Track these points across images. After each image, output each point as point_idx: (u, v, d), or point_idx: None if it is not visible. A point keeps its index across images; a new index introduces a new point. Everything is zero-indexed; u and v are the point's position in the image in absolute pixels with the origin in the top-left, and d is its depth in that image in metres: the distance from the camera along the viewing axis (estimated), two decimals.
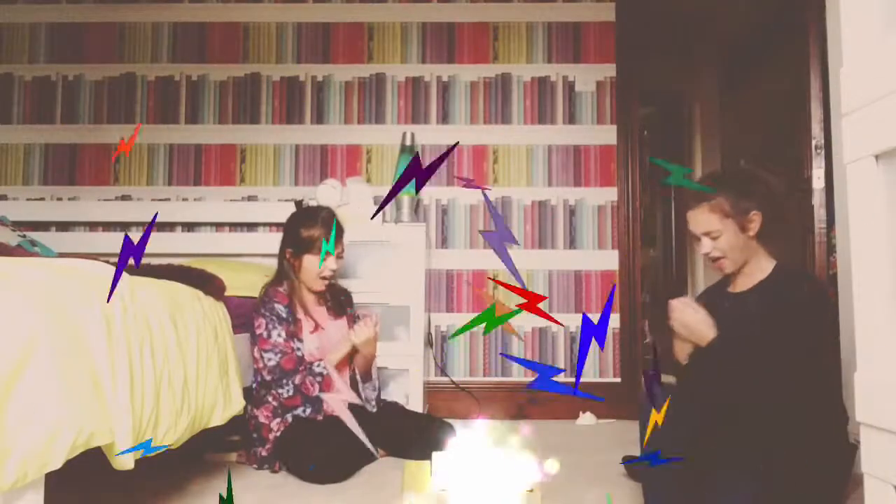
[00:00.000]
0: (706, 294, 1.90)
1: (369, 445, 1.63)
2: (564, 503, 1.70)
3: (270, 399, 2.08)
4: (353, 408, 2.25)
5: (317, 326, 2.19)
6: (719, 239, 1.72)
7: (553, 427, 2.76)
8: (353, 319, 2.34)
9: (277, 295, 2.16)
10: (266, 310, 2.12)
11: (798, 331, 1.56)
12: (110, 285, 1.37)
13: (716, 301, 1.76)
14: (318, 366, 2.08)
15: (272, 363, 2.06)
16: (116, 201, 3.16)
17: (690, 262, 4.82)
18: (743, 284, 1.75)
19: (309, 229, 2.18)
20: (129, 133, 3.21)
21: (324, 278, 2.20)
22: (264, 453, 2.01)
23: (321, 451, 1.90)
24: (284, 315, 2.12)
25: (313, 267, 2.18)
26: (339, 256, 2.24)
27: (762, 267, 1.73)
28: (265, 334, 2.08)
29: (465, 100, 3.21)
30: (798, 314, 1.58)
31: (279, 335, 2.09)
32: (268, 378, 2.06)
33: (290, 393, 2.04)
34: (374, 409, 2.24)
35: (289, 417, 2.05)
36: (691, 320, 1.64)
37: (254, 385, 2.12)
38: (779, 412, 1.53)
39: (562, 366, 3.08)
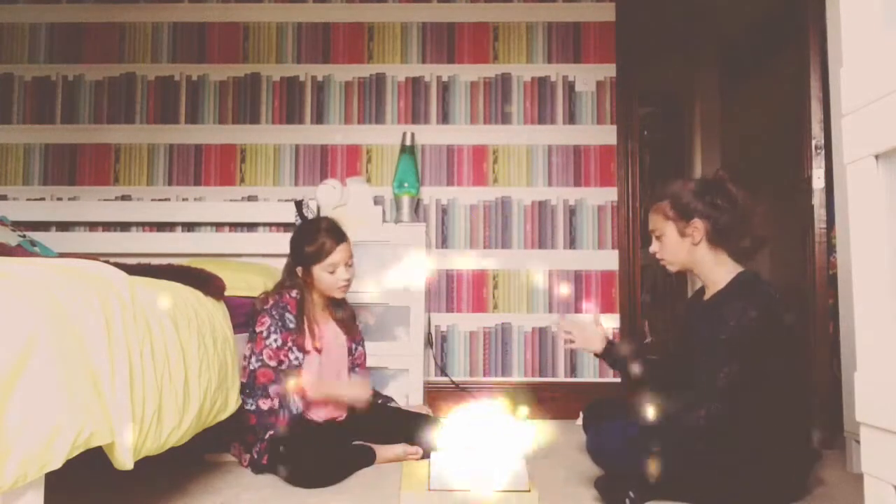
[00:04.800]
0: (692, 299, 2.00)
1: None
2: (563, 503, 1.70)
3: (259, 404, 2.07)
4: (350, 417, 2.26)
5: (320, 346, 2.18)
6: (661, 239, 1.87)
7: (553, 427, 2.76)
8: (358, 340, 2.36)
9: (290, 302, 2.14)
10: (276, 312, 2.10)
11: (731, 346, 1.63)
12: (110, 285, 1.37)
13: (694, 308, 1.90)
14: (295, 359, 2.08)
15: (251, 368, 2.05)
16: (116, 201, 3.16)
17: None
18: (708, 294, 1.83)
19: (311, 244, 2.17)
20: (128, 133, 3.21)
21: (340, 289, 2.21)
22: (254, 454, 2.01)
23: (311, 455, 1.89)
24: (291, 326, 2.12)
25: (325, 278, 2.18)
26: (349, 264, 2.23)
27: (718, 278, 1.79)
28: (265, 333, 2.08)
29: (465, 100, 3.21)
30: (729, 332, 1.64)
31: (275, 341, 2.07)
32: (243, 380, 2.05)
33: (268, 406, 2.03)
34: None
35: (275, 419, 2.04)
36: (579, 339, 1.97)
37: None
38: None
39: (561, 365, 3.09)
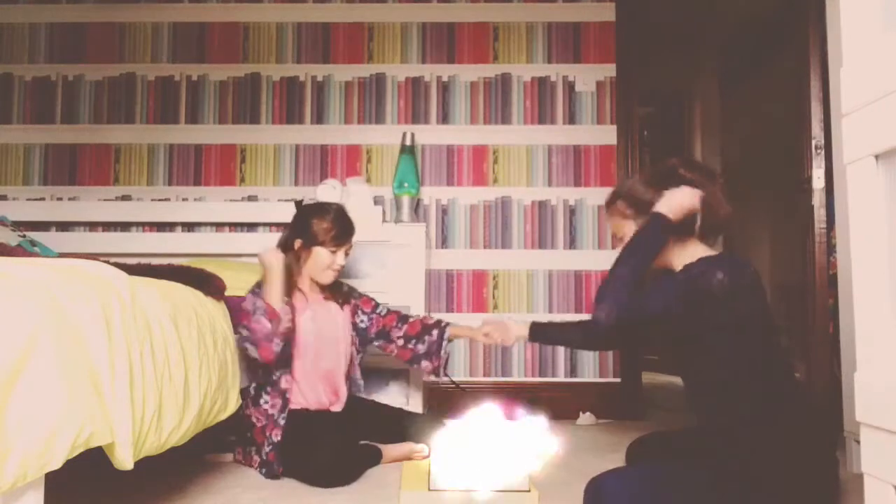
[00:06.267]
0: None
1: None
2: (563, 503, 1.70)
3: (262, 403, 2.06)
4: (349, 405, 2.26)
5: (305, 307, 2.17)
6: (624, 241, 1.69)
7: (553, 427, 2.76)
8: (356, 308, 2.33)
9: None
10: (258, 289, 2.09)
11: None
12: (110, 285, 1.37)
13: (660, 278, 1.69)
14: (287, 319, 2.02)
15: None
16: (116, 201, 3.16)
17: None
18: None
19: (321, 221, 2.18)
20: (129, 133, 3.21)
21: (333, 271, 2.20)
22: (265, 456, 2.01)
23: (326, 454, 1.90)
24: None
25: (322, 259, 2.17)
26: (347, 253, 2.24)
27: (687, 261, 1.60)
28: (249, 307, 2.02)
29: (465, 100, 3.21)
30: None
31: (262, 315, 2.00)
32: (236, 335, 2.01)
33: (255, 353, 1.98)
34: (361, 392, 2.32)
35: (281, 421, 2.04)
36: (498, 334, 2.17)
37: (251, 386, 2.12)
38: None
39: (561, 365, 3.09)
